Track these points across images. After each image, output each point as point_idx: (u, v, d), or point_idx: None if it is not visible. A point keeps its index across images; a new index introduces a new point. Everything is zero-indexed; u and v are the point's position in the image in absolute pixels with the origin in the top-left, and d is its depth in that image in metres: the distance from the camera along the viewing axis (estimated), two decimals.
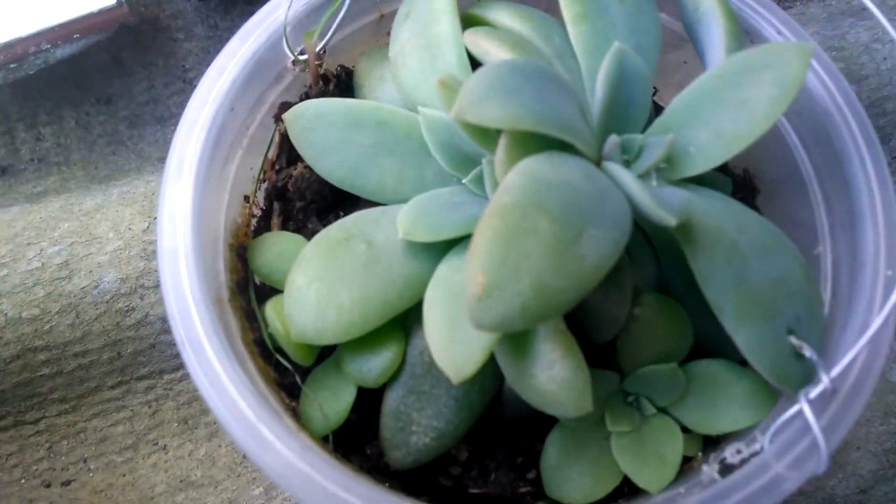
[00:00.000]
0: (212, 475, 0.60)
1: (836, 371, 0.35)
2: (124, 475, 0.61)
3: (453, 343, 0.37)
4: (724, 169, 0.51)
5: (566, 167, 0.36)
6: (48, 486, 0.61)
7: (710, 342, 0.42)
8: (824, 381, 0.35)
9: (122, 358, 0.62)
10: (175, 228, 0.38)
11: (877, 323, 0.34)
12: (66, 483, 0.61)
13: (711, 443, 0.43)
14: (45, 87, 0.70)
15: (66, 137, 0.71)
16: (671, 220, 0.34)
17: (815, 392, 0.35)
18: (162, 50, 0.72)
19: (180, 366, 0.63)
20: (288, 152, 0.47)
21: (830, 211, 0.44)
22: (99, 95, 0.71)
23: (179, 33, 0.72)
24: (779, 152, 0.46)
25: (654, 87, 0.54)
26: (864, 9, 0.83)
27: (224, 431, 0.62)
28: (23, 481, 0.61)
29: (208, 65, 0.44)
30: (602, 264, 0.33)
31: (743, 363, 0.41)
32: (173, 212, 0.38)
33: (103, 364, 0.62)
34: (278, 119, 0.47)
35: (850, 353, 0.34)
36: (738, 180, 0.51)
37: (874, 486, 0.59)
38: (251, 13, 0.46)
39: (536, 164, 0.35)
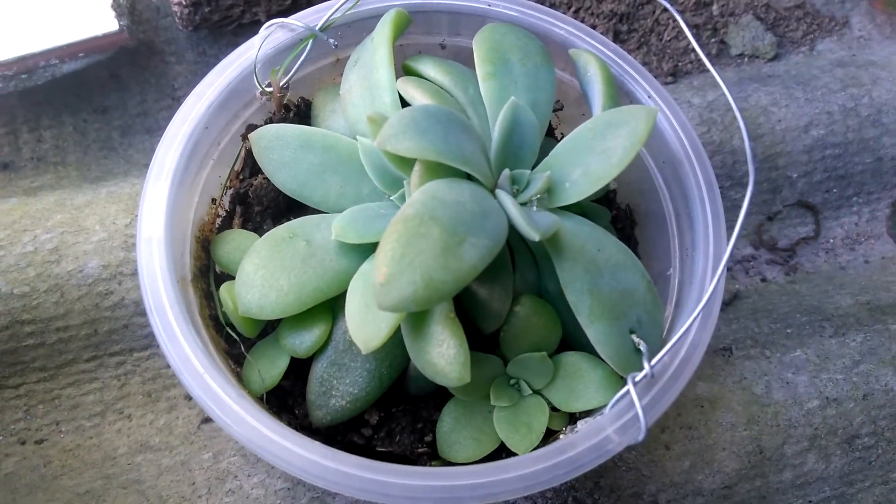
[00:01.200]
0: (168, 441, 0.69)
1: (654, 360, 0.45)
2: (91, 438, 0.70)
3: (366, 322, 0.47)
4: (611, 202, 0.63)
5: (461, 190, 0.46)
6: (23, 443, 0.69)
7: (576, 338, 0.52)
8: (646, 369, 0.45)
9: (98, 335, 0.71)
10: (152, 219, 0.48)
11: (685, 325, 0.44)
12: (39, 442, 0.69)
13: (574, 419, 0.53)
14: (49, 95, 0.80)
15: (65, 141, 0.81)
16: (535, 236, 0.45)
17: (639, 377, 0.46)
18: (155, 70, 0.82)
19: (149, 345, 0.72)
20: (251, 165, 0.58)
21: (682, 240, 0.54)
22: (97, 106, 0.81)
23: (172, 57, 0.83)
24: (650, 193, 0.57)
25: (562, 133, 0.65)
26: (770, 75, 0.95)
27: (181, 403, 0.71)
28: (0, 438, 0.69)
29: (195, 86, 0.54)
30: (478, 265, 0.43)
31: (599, 357, 0.52)
32: (152, 206, 0.48)
33: (81, 339, 0.71)
34: (245, 137, 0.57)
35: (666, 347, 0.45)
36: (622, 213, 0.61)
37: (737, 483, 0.70)
38: (237, 43, 0.56)
39: (437, 187, 0.46)
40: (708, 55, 0.95)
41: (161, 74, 0.83)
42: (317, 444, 0.43)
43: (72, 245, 0.71)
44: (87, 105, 0.82)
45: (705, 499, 0.69)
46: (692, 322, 0.45)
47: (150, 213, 0.48)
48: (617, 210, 0.62)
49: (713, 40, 0.96)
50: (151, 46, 0.82)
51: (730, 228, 0.53)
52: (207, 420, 0.69)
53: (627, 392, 0.46)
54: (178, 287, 0.47)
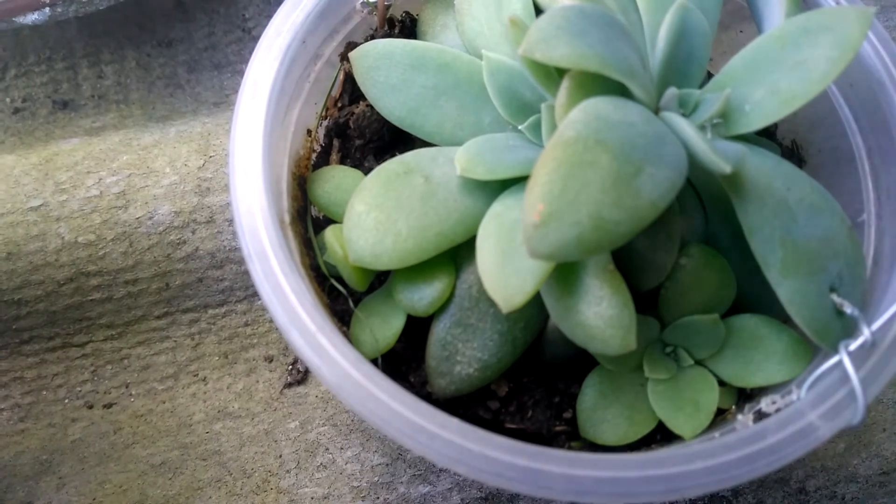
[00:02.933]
0: (249, 408, 0.62)
1: (877, 325, 0.36)
2: (164, 402, 0.63)
3: (505, 274, 0.38)
4: (772, 137, 0.52)
5: (627, 110, 0.37)
6: (90, 407, 0.63)
7: (751, 298, 0.43)
8: (865, 334, 0.36)
9: (170, 289, 0.64)
10: (248, 147, 0.40)
11: None
12: (108, 406, 0.63)
13: (746, 397, 0.44)
14: (110, 26, 0.72)
15: (127, 77, 0.73)
16: (726, 168, 0.36)
17: (855, 345, 0.36)
18: None
19: (224, 301, 0.65)
20: (350, 91, 0.49)
21: (877, 180, 0.44)
22: (161, 38, 0.74)
23: None
24: (829, 123, 0.47)
25: (710, 57, 0.55)
26: None
27: (261, 366, 0.64)
28: (66, 401, 0.63)
29: (268, 15, 0.45)
30: (658, 202, 0.34)
31: (782, 320, 0.42)
32: (247, 131, 0.40)
33: (151, 294, 0.64)
34: (344, 58, 0.48)
35: (892, 310, 0.35)
36: (786, 151, 0.51)
37: None
38: None
39: (599, 104, 0.36)
40: None
41: (230, 3, 0.75)
42: (454, 421, 0.35)
43: (140, 189, 0.63)
44: (151, 37, 0.74)
45: (859, 486, 0.59)
46: None
47: (245, 140, 0.40)
48: (780, 146, 0.52)
49: None
50: None
51: None
52: (291, 384, 0.62)
53: (834, 365, 0.37)
54: (278, 230, 0.39)
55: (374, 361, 0.43)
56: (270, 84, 0.41)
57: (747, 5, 0.48)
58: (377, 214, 0.41)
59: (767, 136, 0.52)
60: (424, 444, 0.34)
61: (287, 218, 0.43)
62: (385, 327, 0.42)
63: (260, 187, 0.39)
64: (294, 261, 0.41)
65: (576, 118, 0.36)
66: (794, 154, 0.51)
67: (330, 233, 0.42)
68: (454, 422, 0.35)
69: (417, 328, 0.44)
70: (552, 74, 0.40)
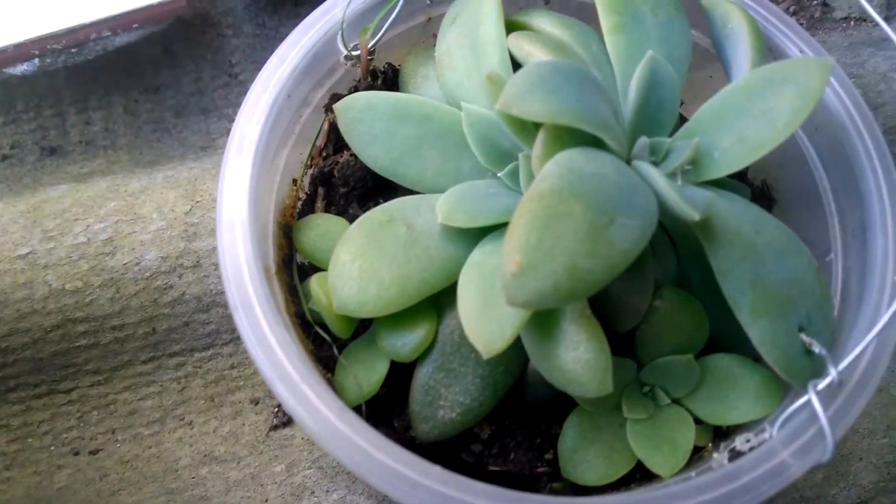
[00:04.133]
0: (235, 451, 0.63)
1: (843, 364, 0.37)
2: (150, 447, 0.63)
3: (485, 321, 0.39)
4: (743, 179, 0.54)
5: (599, 161, 0.39)
6: (76, 453, 0.63)
7: (725, 337, 0.44)
8: (832, 374, 0.37)
9: (157, 334, 0.64)
10: (235, 199, 0.41)
11: (883, 320, 0.36)
12: (94, 452, 0.63)
13: (721, 434, 0.45)
14: (98, 73, 0.74)
15: (114, 122, 0.74)
16: (694, 215, 0.37)
17: (822, 384, 0.38)
18: (211, 44, 0.75)
19: (211, 345, 0.65)
20: (335, 141, 0.50)
21: (843, 221, 0.46)
22: (148, 84, 0.75)
23: (229, 29, 0.76)
24: (796, 165, 0.49)
25: (681, 100, 0.57)
26: (885, 39, 0.86)
27: (247, 408, 0.64)
28: (52, 448, 0.63)
29: (254, 61, 0.47)
30: (630, 250, 0.36)
31: (755, 359, 0.44)
32: (234, 183, 0.41)
33: (138, 339, 0.64)
34: (328, 109, 0.50)
35: (858, 348, 0.37)
36: (756, 191, 0.53)
37: (874, 496, 0.61)
38: (298, 14, 0.49)
39: (572, 156, 0.38)
40: (809, 19, 0.86)
41: (217, 49, 0.76)
42: (436, 469, 0.36)
43: (127, 235, 0.64)
44: (139, 83, 0.75)
45: None
46: (887, 319, 0.36)
47: (232, 191, 0.41)
48: (750, 187, 0.53)
49: (814, 2, 0.86)
50: (207, 18, 0.75)
51: None
52: (276, 427, 0.63)
53: (804, 404, 0.38)
54: (263, 280, 0.40)
55: (358, 408, 0.43)
56: (257, 138, 0.43)
57: (715, 53, 0.50)
58: (361, 263, 0.42)
59: (739, 178, 0.54)
60: (407, 493, 0.35)
61: (273, 267, 0.44)
62: (369, 374, 0.43)
63: (246, 239, 0.40)
64: (279, 309, 0.42)
65: (550, 171, 0.37)
66: (764, 194, 0.53)
67: (315, 281, 0.43)
68: (436, 469, 0.36)
69: (401, 373, 0.45)
70: (528, 126, 0.42)
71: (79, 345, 0.64)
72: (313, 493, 0.59)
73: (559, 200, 0.35)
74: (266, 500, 0.59)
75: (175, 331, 0.65)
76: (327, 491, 0.58)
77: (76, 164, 0.74)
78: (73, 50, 0.65)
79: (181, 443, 0.64)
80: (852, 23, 0.86)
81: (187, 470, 0.62)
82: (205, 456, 0.63)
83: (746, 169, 0.55)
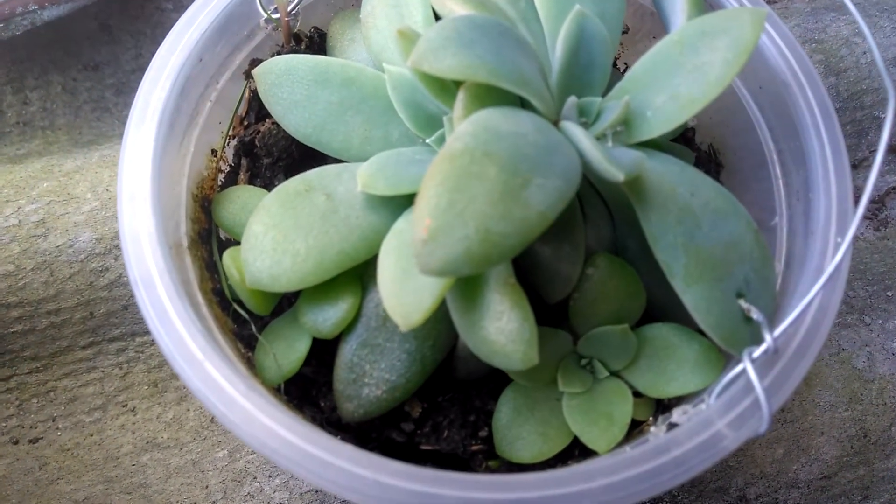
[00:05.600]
0: (178, 437, 0.61)
1: (778, 331, 0.35)
2: (92, 435, 0.61)
3: (404, 292, 0.37)
4: (689, 143, 0.52)
5: (519, 120, 0.36)
6: (16, 442, 0.61)
7: (663, 307, 0.42)
8: (767, 341, 0.35)
9: (95, 318, 0.62)
10: (135, 172, 0.38)
11: (820, 282, 0.34)
12: (34, 441, 0.61)
13: (663, 407, 0.43)
14: (32, 50, 0.71)
15: (53, 102, 0.72)
16: (619, 175, 0.35)
17: (758, 352, 0.36)
18: (150, 19, 0.73)
19: None
20: (257, 109, 0.48)
21: (788, 182, 0.44)
22: (87, 62, 0.72)
23: (168, 3, 0.73)
24: (742, 127, 0.47)
25: (625, 64, 0.55)
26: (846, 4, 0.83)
27: (192, 394, 0.62)
28: None
29: None
30: (547, 212, 0.33)
31: (694, 328, 0.42)
32: (134, 156, 0.39)
33: (76, 323, 0.62)
34: (248, 75, 0.47)
35: (794, 313, 0.35)
36: (703, 155, 0.51)
37: (837, 472, 0.59)
38: None
39: (489, 115, 0.36)
40: None
41: (157, 24, 0.73)
42: (347, 448, 0.34)
43: (60, 216, 0.62)
44: (77, 61, 0.72)
45: (801, 491, 0.59)
46: (824, 281, 0.34)
47: (132, 165, 0.39)
48: (697, 152, 0.51)
49: None
50: None
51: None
52: None
53: (740, 373, 0.36)
54: (170, 254, 0.38)
55: (279, 388, 0.41)
56: (161, 106, 0.40)
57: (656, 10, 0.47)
58: (275, 234, 0.39)
59: (685, 141, 0.52)
60: (316, 473, 0.33)
61: (185, 241, 0.41)
62: (289, 352, 0.41)
63: (147, 212, 0.37)
64: (191, 286, 0.40)
65: (465, 130, 0.35)
66: (711, 158, 0.51)
67: (228, 255, 0.41)
68: (347, 448, 0.34)
69: (330, 350, 0.43)
70: (449, 87, 0.39)
71: (14, 330, 0.62)
72: (255, 478, 0.57)
73: (471, 160, 0.33)
74: (206, 487, 0.57)
75: (114, 314, 0.63)
76: (269, 476, 0.57)
77: (13, 145, 0.71)
78: None
79: (123, 430, 0.62)
80: None
81: (129, 457, 0.60)
82: (147, 443, 0.61)
83: (693, 133, 0.52)
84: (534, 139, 0.35)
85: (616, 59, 0.54)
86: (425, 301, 0.36)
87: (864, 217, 0.75)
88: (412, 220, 0.33)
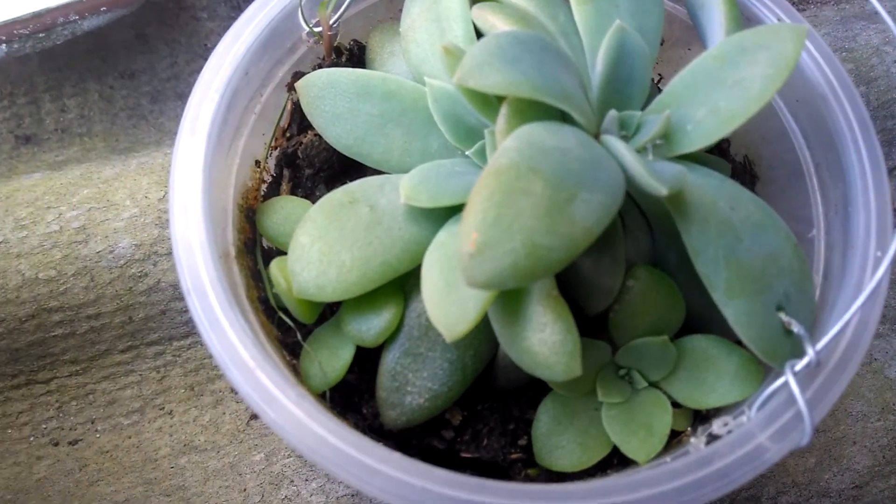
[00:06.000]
0: (215, 441, 0.62)
1: (821, 344, 0.35)
2: (130, 437, 0.63)
3: (448, 303, 0.38)
4: (724, 154, 0.52)
5: (563, 135, 0.37)
6: (56, 444, 0.62)
7: (702, 318, 0.43)
8: (810, 354, 0.36)
9: (133, 323, 0.63)
10: (187, 183, 0.39)
11: (861, 297, 0.35)
12: (74, 442, 0.62)
13: (702, 418, 0.44)
14: (71, 59, 0.72)
15: (90, 109, 0.73)
16: (662, 190, 0.35)
17: (800, 365, 0.36)
18: (185, 28, 0.74)
19: (189, 333, 0.64)
20: (299, 121, 0.49)
21: (825, 195, 0.44)
22: (123, 70, 0.73)
23: (203, 12, 0.74)
24: (778, 139, 0.47)
25: (659, 74, 0.55)
26: (877, 12, 0.83)
27: (228, 397, 0.63)
28: (31, 439, 0.62)
29: None
30: (592, 227, 0.34)
31: (736, 341, 0.42)
32: (186, 167, 0.40)
33: (115, 328, 0.63)
34: (291, 87, 0.48)
35: (836, 327, 0.35)
36: (738, 166, 0.51)
37: (869, 482, 0.60)
38: None
39: (533, 130, 0.36)
40: None
41: (192, 33, 0.75)
42: (395, 455, 0.35)
43: (100, 223, 0.63)
44: (113, 69, 0.74)
45: (832, 501, 0.59)
46: (867, 296, 0.35)
47: (184, 175, 0.40)
48: (732, 162, 0.51)
49: None
50: (180, 1, 0.73)
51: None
52: (257, 416, 0.62)
53: (782, 385, 0.37)
54: (220, 264, 0.39)
55: (325, 394, 0.42)
56: (211, 118, 0.41)
57: (693, 24, 0.48)
58: (321, 246, 0.40)
59: (720, 153, 0.52)
60: (365, 481, 0.34)
61: (233, 251, 0.42)
62: (333, 360, 0.42)
63: (199, 222, 0.38)
64: (239, 294, 0.41)
65: (510, 145, 0.35)
66: (746, 170, 0.51)
67: (275, 265, 0.41)
68: (395, 456, 0.34)
69: (372, 357, 0.43)
70: (491, 101, 0.40)
71: (55, 334, 0.63)
72: (292, 482, 0.58)
73: (517, 176, 0.34)
74: (244, 490, 0.58)
75: (152, 319, 0.64)
76: (306, 479, 0.57)
77: (52, 151, 0.73)
78: (40, 35, 0.63)
79: (161, 432, 0.63)
80: None
81: (167, 460, 0.61)
82: (184, 445, 0.62)
83: (728, 144, 0.53)
84: (577, 154, 0.36)
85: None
86: (470, 313, 0.37)
87: None
88: (459, 234, 0.34)
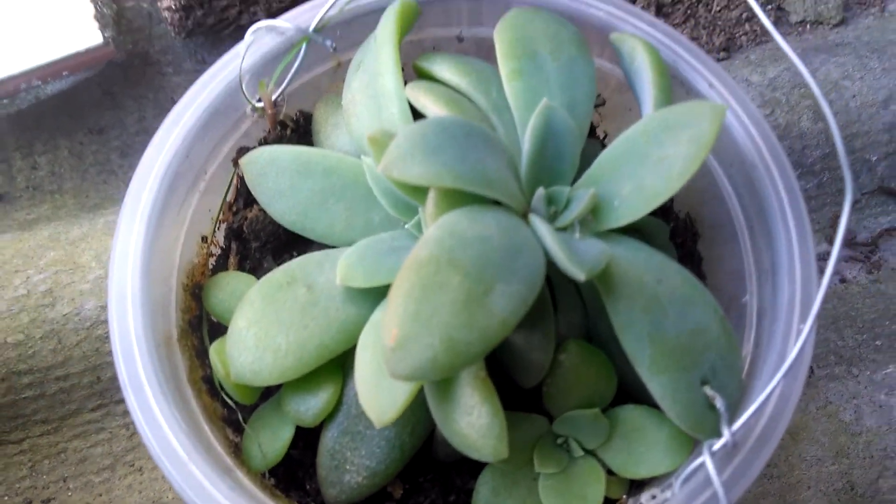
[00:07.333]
0: None
1: (737, 424, 0.36)
2: (101, 495, 0.64)
3: (379, 388, 0.39)
4: (668, 212, 0.53)
5: (485, 221, 0.38)
6: (30, 502, 0.64)
7: (637, 387, 0.43)
8: (726, 436, 0.36)
9: (102, 382, 0.65)
10: (124, 271, 0.41)
11: (781, 372, 0.35)
12: (47, 501, 0.64)
13: (637, 486, 0.44)
14: (40, 118, 0.74)
15: (60, 166, 0.75)
16: (580, 275, 0.36)
17: (717, 445, 0.37)
18: (152, 83, 0.75)
19: None
20: (245, 195, 0.50)
21: (758, 260, 0.45)
22: (92, 126, 0.75)
23: (168, 67, 0.76)
24: (715, 201, 0.48)
25: (605, 132, 0.56)
26: (839, 44, 0.84)
27: None
28: (6, 498, 0.63)
29: None
30: (509, 318, 0.35)
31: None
32: (124, 254, 0.41)
33: (84, 388, 0.65)
34: (236, 163, 0.49)
35: (753, 406, 0.36)
36: (681, 223, 0.52)
37: None
38: None
39: (455, 219, 0.37)
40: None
41: (159, 88, 0.76)
42: None
43: (66, 285, 0.64)
44: (82, 126, 0.75)
45: None
46: (783, 372, 0.35)
47: (121, 266, 0.41)
48: (675, 220, 0.52)
49: (769, 6, 0.84)
50: (145, 58, 0.74)
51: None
52: None
53: (701, 463, 0.37)
54: (158, 352, 0.40)
55: (264, 475, 0.43)
56: (150, 205, 0.42)
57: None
58: (256, 330, 0.41)
59: (663, 211, 0.53)
60: None
61: (176, 333, 0.43)
62: (274, 440, 0.43)
63: (136, 312, 0.40)
64: (180, 379, 0.42)
65: (431, 236, 0.36)
66: (688, 228, 0.52)
67: (213, 350, 0.42)
68: None
69: (315, 433, 0.44)
70: (421, 187, 0.41)
71: (25, 396, 0.64)
72: None
73: (437, 269, 0.35)
74: None
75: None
76: None
77: (23, 209, 0.74)
78: (4, 101, 0.65)
79: (131, 489, 0.64)
80: (808, 27, 0.84)
81: None
82: (153, 502, 0.63)
83: (671, 201, 0.53)
84: (499, 243, 0.37)
85: (595, 127, 0.56)
86: (399, 399, 0.38)
87: (857, 260, 0.75)
88: (381, 326, 0.35)
